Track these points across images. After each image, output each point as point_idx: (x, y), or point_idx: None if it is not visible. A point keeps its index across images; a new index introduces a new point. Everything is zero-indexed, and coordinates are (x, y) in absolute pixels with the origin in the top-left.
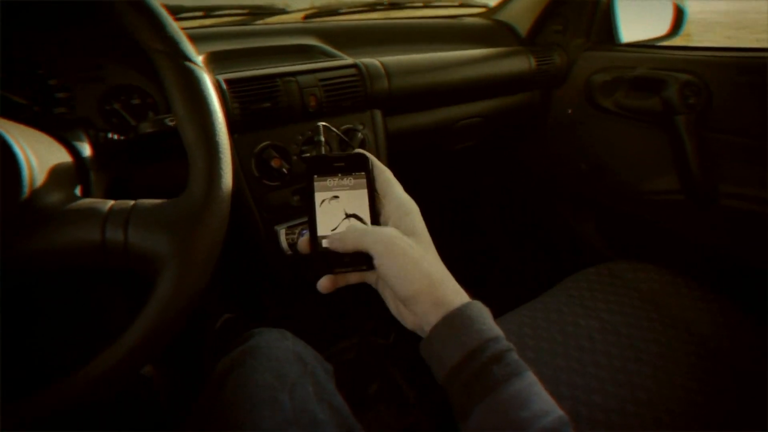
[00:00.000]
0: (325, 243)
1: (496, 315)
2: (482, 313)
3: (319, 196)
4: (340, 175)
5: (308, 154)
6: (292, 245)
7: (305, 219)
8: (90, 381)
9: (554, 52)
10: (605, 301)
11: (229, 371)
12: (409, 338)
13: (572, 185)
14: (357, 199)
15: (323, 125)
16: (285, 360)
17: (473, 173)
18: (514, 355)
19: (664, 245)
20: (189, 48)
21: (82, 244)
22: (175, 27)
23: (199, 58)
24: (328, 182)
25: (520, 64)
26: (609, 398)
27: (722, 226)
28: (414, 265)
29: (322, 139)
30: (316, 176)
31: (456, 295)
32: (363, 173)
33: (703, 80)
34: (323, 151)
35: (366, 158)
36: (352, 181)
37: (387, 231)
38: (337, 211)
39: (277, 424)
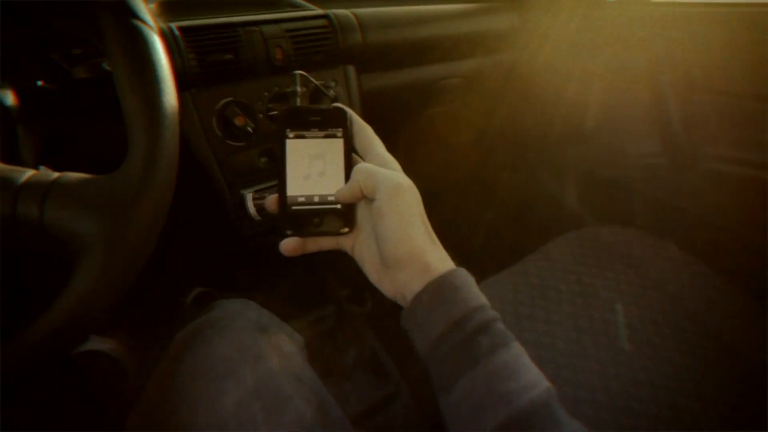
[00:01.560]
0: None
1: (477, 281)
2: (467, 280)
3: (290, 152)
4: (315, 129)
5: (275, 112)
6: (261, 210)
7: (275, 183)
8: None
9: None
10: (585, 265)
11: (185, 344)
12: (387, 306)
13: (553, 149)
14: (332, 156)
15: (300, 74)
16: (247, 331)
17: (452, 137)
18: (501, 325)
19: (646, 209)
20: (138, 3)
21: None
22: None
23: (150, 17)
24: (301, 137)
25: (505, 20)
26: (590, 361)
27: (703, 189)
28: (412, 223)
29: (298, 89)
30: (288, 130)
31: (442, 262)
32: (340, 129)
33: (691, 38)
34: (298, 104)
35: (345, 113)
36: (329, 137)
37: (397, 175)
38: (309, 168)
39: (238, 399)
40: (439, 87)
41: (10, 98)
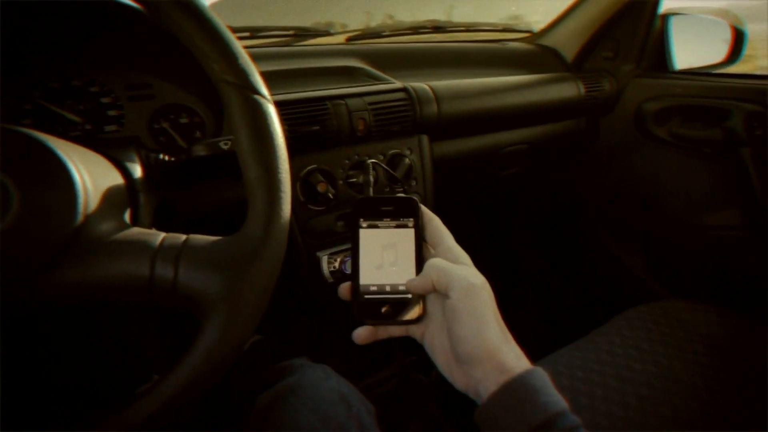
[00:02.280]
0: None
1: (543, 353)
2: (545, 382)
3: (364, 241)
4: (387, 219)
5: (354, 179)
6: (334, 272)
7: (349, 246)
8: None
9: (604, 78)
10: (663, 344)
11: (270, 409)
12: None
13: (622, 216)
14: (404, 246)
15: (373, 162)
16: (329, 401)
17: (517, 202)
18: None
19: (725, 284)
20: (259, 80)
21: (130, 278)
22: (247, 58)
23: (266, 90)
24: (374, 226)
25: (569, 90)
26: None
27: None
28: (487, 323)
29: (371, 178)
30: (362, 219)
31: (517, 360)
32: (412, 219)
33: None
34: (371, 193)
35: (416, 204)
36: (400, 227)
37: (471, 273)
38: (381, 258)
39: None
40: (505, 153)
41: (138, 171)
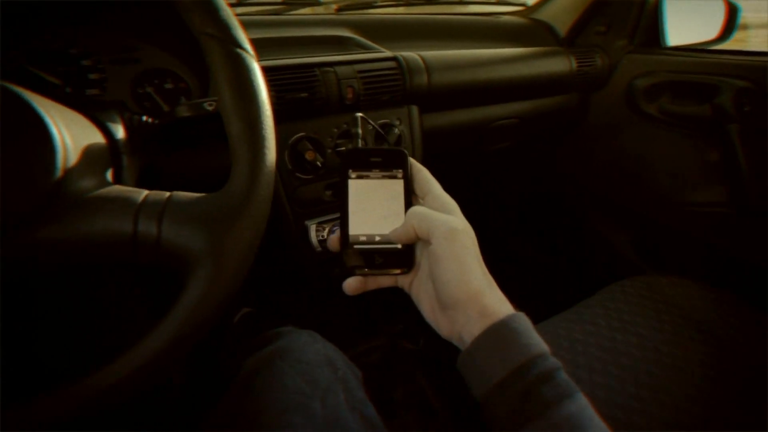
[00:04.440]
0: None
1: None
2: (527, 326)
3: (353, 192)
4: (376, 170)
5: (343, 148)
6: (322, 241)
7: (337, 215)
8: (107, 387)
9: (596, 53)
10: (644, 317)
11: (256, 372)
12: (439, 345)
13: (608, 193)
14: (393, 197)
15: (361, 116)
16: (316, 364)
17: (506, 177)
18: (564, 375)
19: (707, 261)
20: (241, 34)
21: (112, 235)
22: (229, 11)
23: (249, 45)
24: (363, 177)
25: (561, 65)
26: (652, 420)
27: None
28: (469, 267)
29: (359, 131)
30: (351, 170)
31: (501, 305)
32: (401, 170)
33: (761, 87)
34: (359, 145)
35: (405, 155)
36: (389, 178)
37: (452, 219)
38: (371, 208)
39: None
40: (495, 127)
41: (120, 132)
